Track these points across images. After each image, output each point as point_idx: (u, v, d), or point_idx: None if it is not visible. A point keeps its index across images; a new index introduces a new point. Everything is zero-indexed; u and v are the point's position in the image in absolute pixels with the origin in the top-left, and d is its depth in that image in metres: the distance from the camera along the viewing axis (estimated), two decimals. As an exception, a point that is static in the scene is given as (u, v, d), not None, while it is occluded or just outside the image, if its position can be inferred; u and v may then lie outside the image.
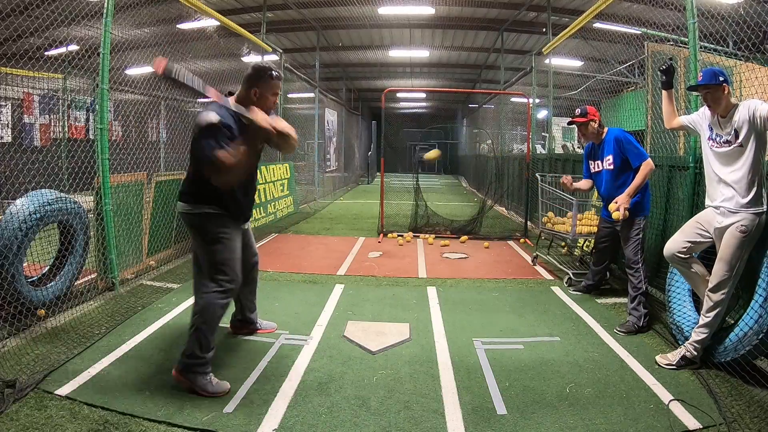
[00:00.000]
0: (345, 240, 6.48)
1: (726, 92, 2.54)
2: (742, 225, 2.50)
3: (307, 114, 11.57)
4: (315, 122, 11.46)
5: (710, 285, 2.62)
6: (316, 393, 2.40)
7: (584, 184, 3.91)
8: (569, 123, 3.88)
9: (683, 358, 2.69)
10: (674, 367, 2.69)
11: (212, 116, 2.26)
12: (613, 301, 3.91)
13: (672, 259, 2.86)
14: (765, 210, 2.52)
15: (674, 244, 2.83)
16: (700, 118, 2.77)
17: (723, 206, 2.59)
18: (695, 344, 2.66)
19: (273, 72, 2.43)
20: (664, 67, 2.97)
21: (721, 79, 2.52)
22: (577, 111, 3.70)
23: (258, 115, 2.32)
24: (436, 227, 6.93)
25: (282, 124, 2.43)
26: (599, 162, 3.67)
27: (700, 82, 2.59)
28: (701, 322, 2.65)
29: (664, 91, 3.00)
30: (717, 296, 2.58)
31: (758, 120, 2.42)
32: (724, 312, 2.65)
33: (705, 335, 2.63)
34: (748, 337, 2.46)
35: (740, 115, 2.48)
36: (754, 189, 2.49)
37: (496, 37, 12.38)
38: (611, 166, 3.54)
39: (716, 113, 2.61)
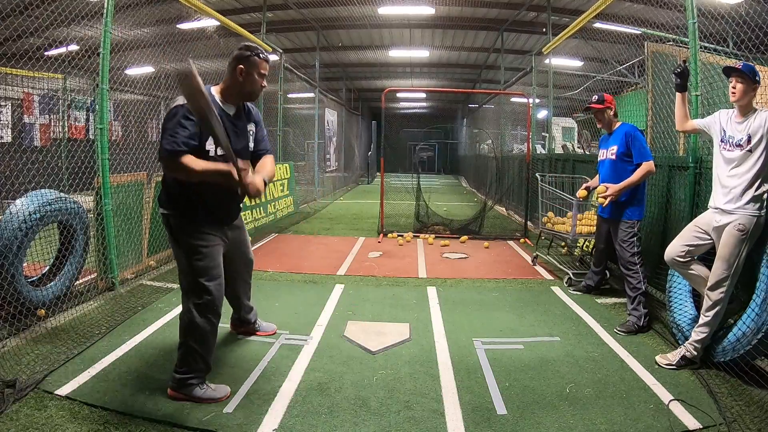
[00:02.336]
0: (345, 240, 6.48)
1: (754, 92, 2.57)
2: (739, 224, 2.53)
3: (307, 114, 11.56)
4: (315, 122, 11.45)
5: (709, 283, 2.63)
6: (316, 393, 2.39)
7: (597, 178, 3.92)
8: (585, 109, 3.86)
9: (683, 357, 2.69)
10: (674, 367, 2.69)
11: (180, 99, 2.12)
12: (613, 301, 3.91)
13: (672, 263, 2.87)
14: (764, 212, 2.54)
15: (673, 248, 2.84)
16: (714, 121, 2.78)
17: (722, 207, 2.62)
18: (695, 344, 2.66)
19: (259, 51, 2.28)
20: (678, 70, 2.96)
21: (758, 78, 2.55)
22: (595, 97, 3.71)
23: (255, 180, 2.20)
24: (437, 227, 6.93)
25: (268, 172, 2.37)
26: (605, 151, 3.70)
27: (740, 68, 2.56)
28: (701, 321, 2.66)
29: (678, 94, 2.98)
30: (716, 295, 2.59)
31: None
32: (724, 311, 2.65)
33: (705, 335, 2.63)
34: (747, 337, 2.46)
35: (757, 122, 2.52)
36: (754, 191, 2.52)
37: (496, 37, 12.38)
38: (613, 156, 3.57)
39: (734, 109, 2.63)
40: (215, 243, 2.37)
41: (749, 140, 2.53)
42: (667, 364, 2.72)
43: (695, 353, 2.66)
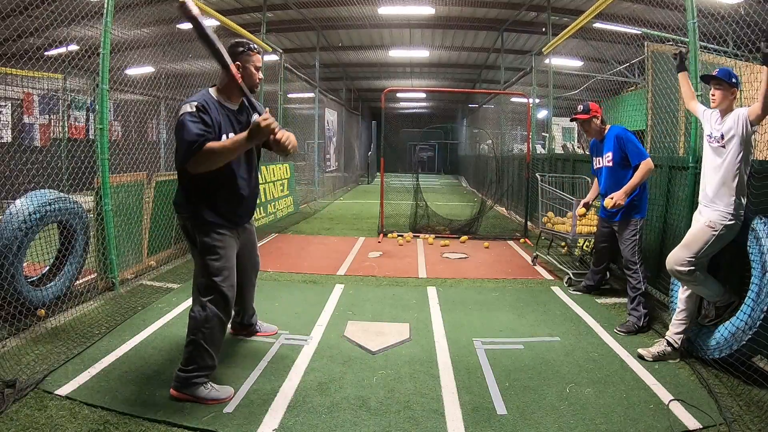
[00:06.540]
0: (345, 240, 6.48)
1: (733, 96, 2.65)
2: (709, 220, 2.62)
3: (307, 114, 11.56)
4: (315, 122, 11.45)
5: (673, 270, 2.73)
6: (316, 393, 2.40)
7: (595, 186, 3.95)
8: (571, 119, 3.91)
9: (669, 344, 2.79)
10: (656, 355, 2.78)
11: (188, 106, 2.18)
12: (613, 301, 3.91)
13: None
14: (738, 214, 2.59)
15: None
16: (706, 114, 2.84)
17: (702, 204, 2.74)
18: (675, 335, 2.78)
19: (251, 45, 2.35)
20: (675, 52, 3.12)
21: (734, 81, 2.63)
22: (579, 107, 3.72)
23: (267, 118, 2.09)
24: (437, 227, 6.93)
25: (282, 135, 2.16)
26: (600, 159, 3.70)
27: (716, 74, 2.67)
28: (678, 308, 2.79)
29: (680, 74, 3.09)
30: (680, 277, 2.73)
31: (742, 122, 2.54)
32: (698, 300, 2.80)
33: (685, 325, 2.77)
34: (739, 333, 2.49)
35: (731, 120, 2.60)
36: (726, 190, 2.59)
37: (496, 37, 12.37)
38: (610, 163, 3.57)
39: (718, 110, 2.71)
40: (230, 244, 2.41)
41: (722, 137, 2.62)
42: (652, 356, 2.79)
43: (678, 344, 2.77)
